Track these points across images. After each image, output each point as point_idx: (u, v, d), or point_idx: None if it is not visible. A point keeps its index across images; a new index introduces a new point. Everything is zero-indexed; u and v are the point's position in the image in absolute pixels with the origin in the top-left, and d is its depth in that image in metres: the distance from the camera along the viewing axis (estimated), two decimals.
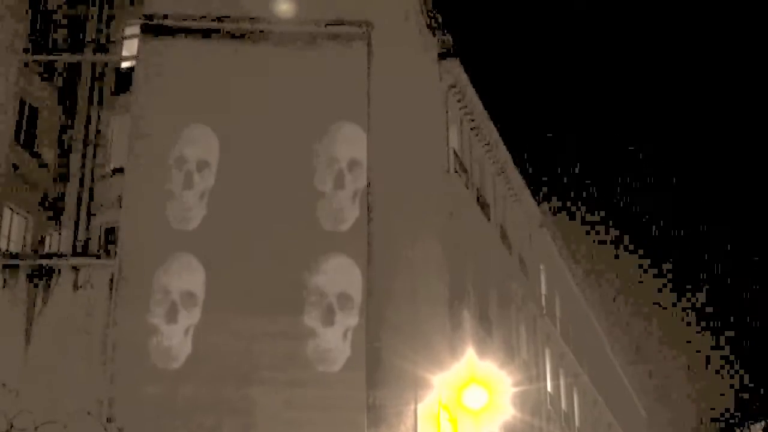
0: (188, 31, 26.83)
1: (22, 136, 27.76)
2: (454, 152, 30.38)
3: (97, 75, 29.36)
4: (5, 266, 25.19)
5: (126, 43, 29.29)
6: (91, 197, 27.82)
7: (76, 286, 24.94)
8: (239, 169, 25.75)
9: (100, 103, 28.87)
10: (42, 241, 27.59)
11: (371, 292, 25.10)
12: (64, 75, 29.16)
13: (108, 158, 28.38)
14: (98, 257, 25.79)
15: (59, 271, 25.02)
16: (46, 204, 27.90)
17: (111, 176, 27.96)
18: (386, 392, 24.50)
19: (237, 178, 25.71)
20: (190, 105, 26.19)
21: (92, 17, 29.76)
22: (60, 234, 27.62)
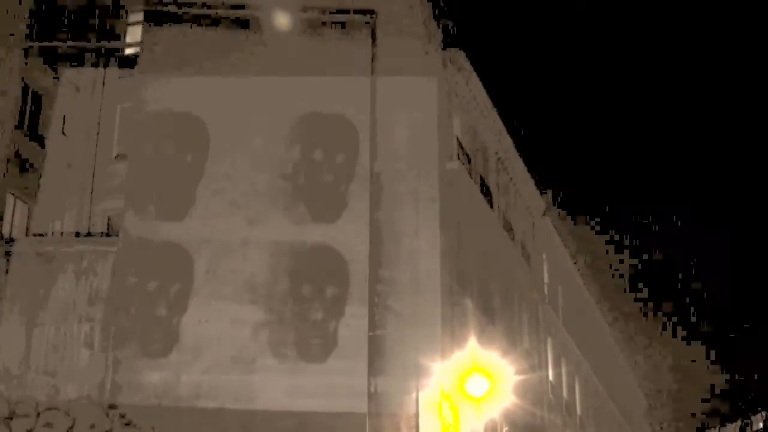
0: (192, 19, 26.85)
1: (26, 123, 27.77)
2: (458, 140, 30.36)
3: (101, 61, 29.32)
4: (8, 252, 25.23)
5: (130, 29, 29.26)
6: (93, 184, 27.82)
7: (78, 273, 24.98)
8: (241, 158, 25.79)
9: (104, 90, 28.82)
10: (45, 228, 27.58)
11: (374, 280, 25.16)
12: (68, 61, 29.12)
13: (111, 145, 28.37)
14: (101, 244, 25.81)
15: (62, 257, 25.05)
16: (49, 190, 27.89)
17: (115, 163, 27.94)
18: (388, 380, 24.55)
19: (239, 167, 25.75)
20: (194, 92, 26.20)
21: (96, 3, 29.71)
22: (63, 221, 27.62)
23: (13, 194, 26.93)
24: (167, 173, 25.87)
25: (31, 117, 27.97)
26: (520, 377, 28.34)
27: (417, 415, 24.69)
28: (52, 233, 27.42)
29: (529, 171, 39.05)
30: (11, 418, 23.12)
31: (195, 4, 27.02)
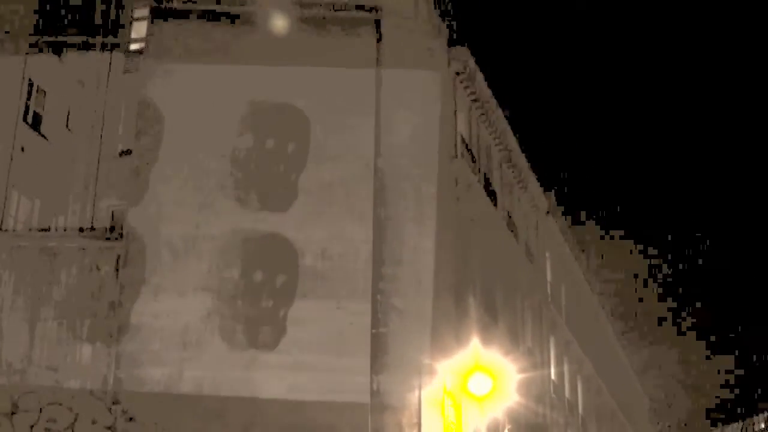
0: (197, 14, 26.84)
1: (30, 118, 27.76)
2: (462, 139, 30.30)
3: (106, 57, 29.32)
4: (13, 247, 25.24)
5: (135, 25, 29.25)
6: (97, 179, 27.83)
7: (82, 268, 24.98)
8: (248, 155, 25.79)
9: (109, 84, 28.83)
10: (48, 223, 27.60)
11: (377, 278, 25.15)
12: (74, 56, 29.12)
13: (116, 140, 28.38)
14: (105, 239, 25.82)
15: (65, 252, 25.06)
16: (53, 185, 27.91)
17: (119, 158, 27.94)
18: (391, 378, 24.55)
19: (246, 164, 25.76)
20: (198, 87, 26.19)
21: None
22: (66, 216, 27.63)
23: (17, 189, 26.91)
24: (176, 170, 25.89)
25: (36, 112, 27.95)
26: (522, 376, 28.34)
27: (419, 412, 24.69)
28: (56, 228, 27.45)
29: (533, 169, 39.00)
30: (14, 413, 23.15)
31: (200, 1, 27.01)
